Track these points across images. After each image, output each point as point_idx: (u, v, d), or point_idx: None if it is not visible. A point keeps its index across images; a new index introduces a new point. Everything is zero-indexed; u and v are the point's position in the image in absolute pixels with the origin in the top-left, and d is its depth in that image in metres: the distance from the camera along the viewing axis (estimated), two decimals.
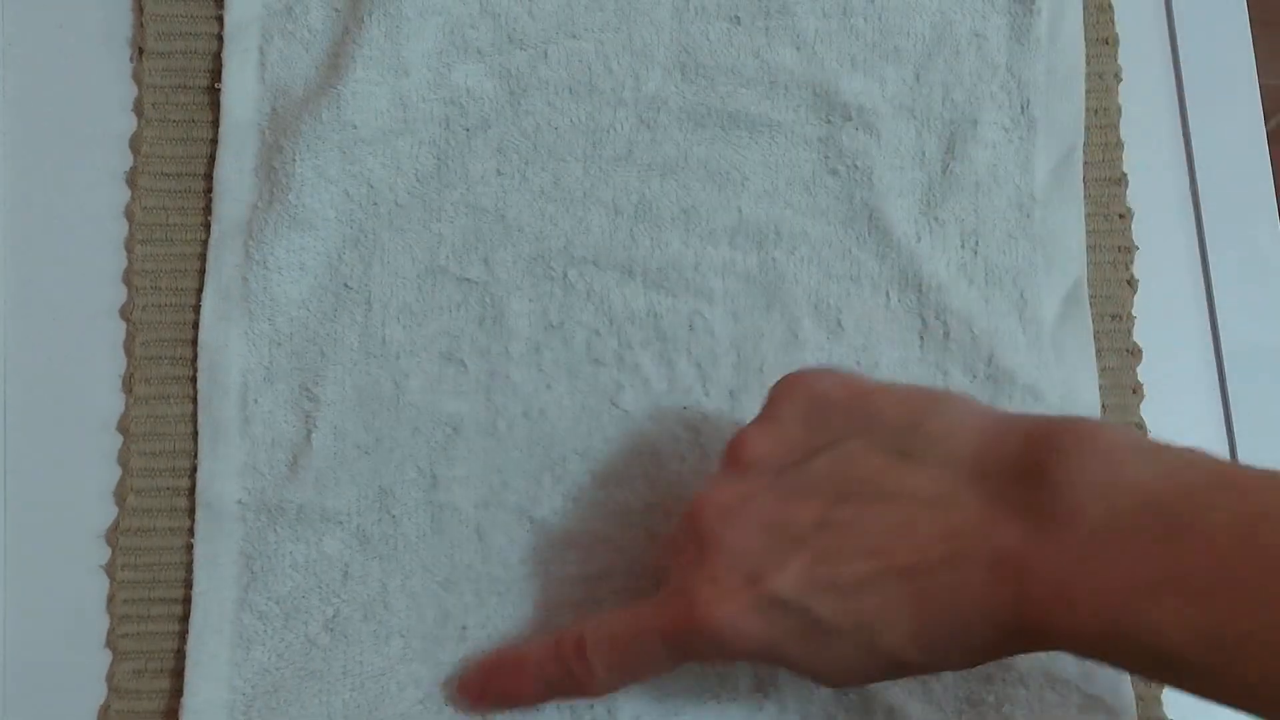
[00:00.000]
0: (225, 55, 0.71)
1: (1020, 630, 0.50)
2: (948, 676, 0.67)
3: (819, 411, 0.57)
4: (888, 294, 0.70)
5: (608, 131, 0.71)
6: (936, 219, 0.70)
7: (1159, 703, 0.68)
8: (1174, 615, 0.46)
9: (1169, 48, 0.77)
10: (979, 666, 0.66)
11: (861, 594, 0.52)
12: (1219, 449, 0.72)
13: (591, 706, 0.66)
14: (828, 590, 0.53)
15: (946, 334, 0.70)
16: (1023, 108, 0.72)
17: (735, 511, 0.56)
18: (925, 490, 0.53)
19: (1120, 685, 0.67)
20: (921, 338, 0.70)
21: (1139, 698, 0.67)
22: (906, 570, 0.52)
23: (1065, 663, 0.67)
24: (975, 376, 0.69)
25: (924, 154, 0.71)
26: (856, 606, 0.52)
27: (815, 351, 0.69)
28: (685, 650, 0.56)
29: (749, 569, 0.54)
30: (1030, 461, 0.51)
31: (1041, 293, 0.70)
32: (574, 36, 0.71)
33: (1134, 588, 0.47)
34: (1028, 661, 0.67)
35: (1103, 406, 0.70)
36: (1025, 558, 0.50)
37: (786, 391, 0.59)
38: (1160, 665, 0.47)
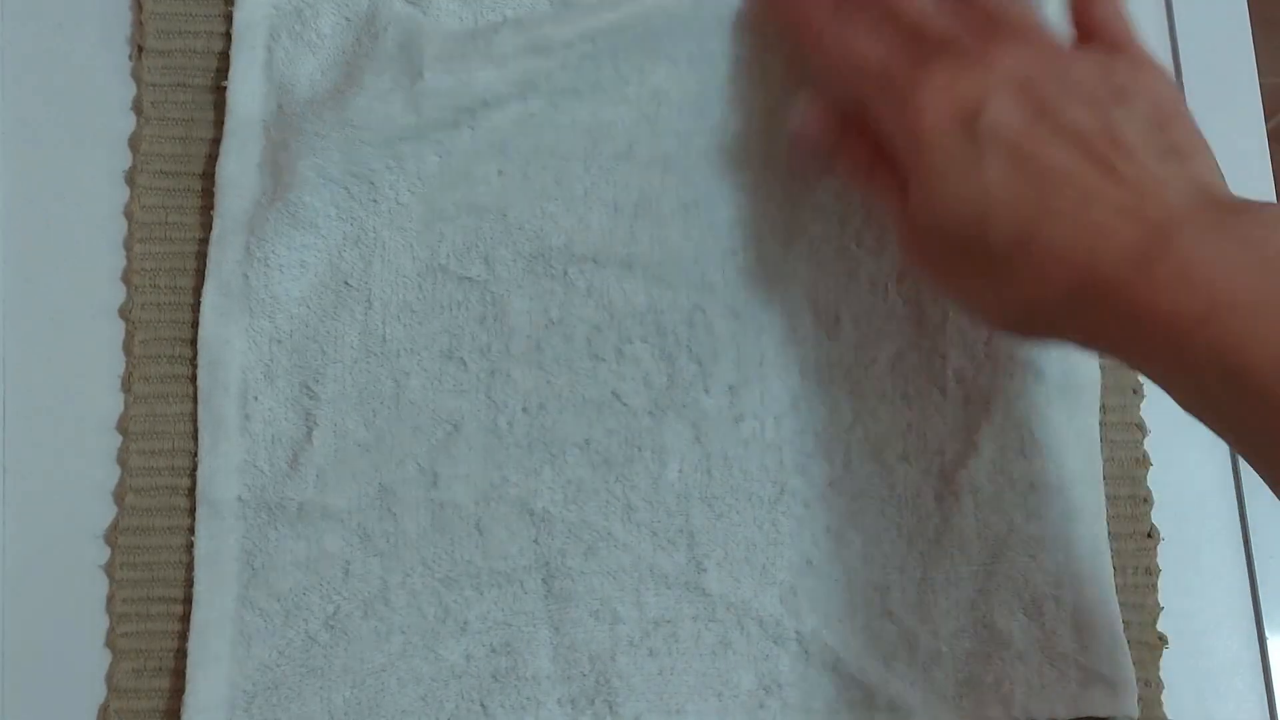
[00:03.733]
0: (233, 51, 0.71)
1: (1112, 286, 0.53)
2: (950, 660, 0.67)
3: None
4: (886, 287, 0.70)
5: (608, 128, 0.71)
6: None
7: (1159, 703, 0.68)
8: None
9: (1169, 47, 0.77)
10: (981, 645, 0.67)
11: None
12: (1219, 449, 0.72)
13: (593, 703, 0.66)
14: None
15: (945, 318, 0.70)
16: None
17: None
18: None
19: (1119, 658, 0.67)
20: (919, 325, 0.70)
21: (1140, 698, 0.67)
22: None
23: (1064, 638, 0.67)
24: (975, 357, 0.69)
25: None
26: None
27: (814, 348, 0.69)
28: None
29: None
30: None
31: None
32: (592, 41, 0.70)
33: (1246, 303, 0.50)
34: (1027, 638, 0.67)
35: (1103, 406, 0.70)
36: (1179, 233, 0.52)
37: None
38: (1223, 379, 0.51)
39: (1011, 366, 0.69)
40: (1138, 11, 0.75)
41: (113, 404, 0.70)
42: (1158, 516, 0.70)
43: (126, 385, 0.70)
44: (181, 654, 0.66)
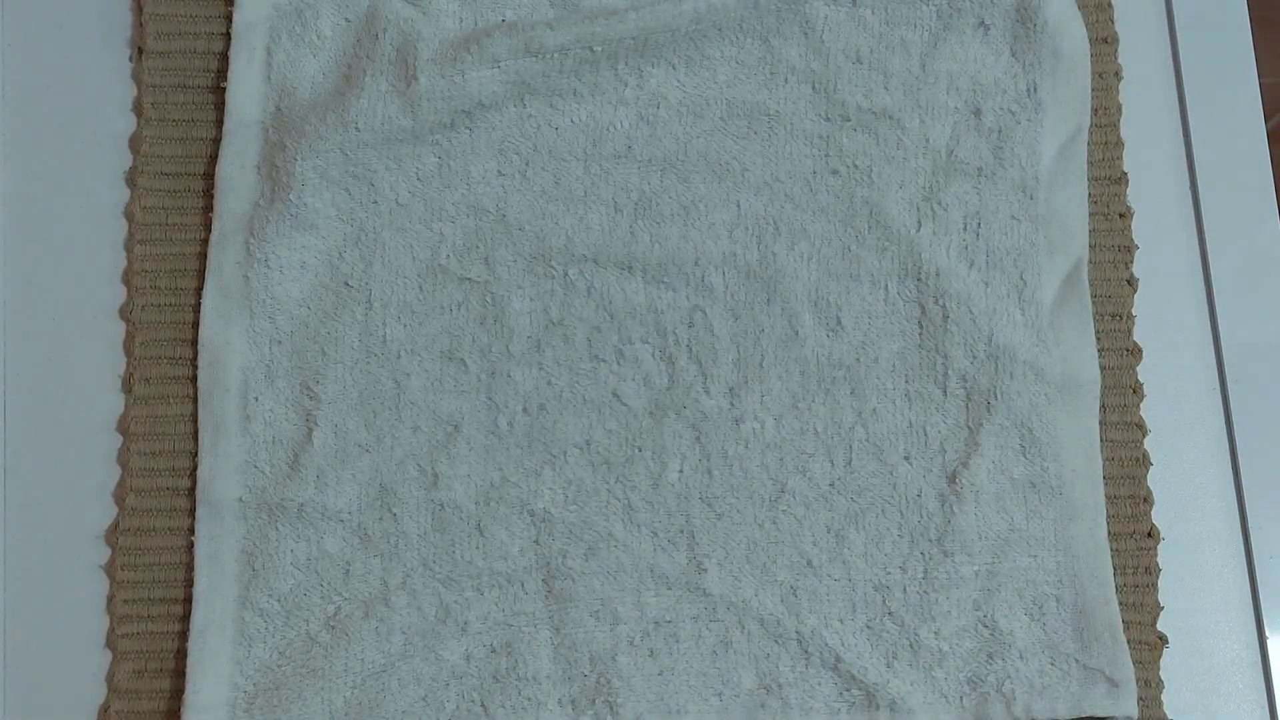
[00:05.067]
0: (232, 53, 0.71)
1: None
2: (952, 660, 0.67)
3: None
4: (886, 287, 0.70)
5: (607, 130, 0.71)
6: (940, 203, 0.71)
7: (1159, 703, 0.68)
8: None
9: (1169, 47, 0.77)
10: (983, 645, 0.67)
11: None
12: (1219, 449, 0.72)
13: (593, 703, 0.66)
14: None
15: (946, 317, 0.70)
16: (1029, 91, 0.72)
17: None
18: None
19: (1119, 657, 0.67)
20: (920, 325, 0.70)
21: (1140, 698, 0.67)
22: None
23: (1065, 637, 0.68)
24: (976, 357, 0.70)
25: (928, 142, 0.71)
26: None
27: (815, 348, 0.70)
28: None
29: None
30: None
31: (1042, 273, 0.71)
32: (590, 44, 0.71)
33: None
34: (1029, 637, 0.67)
35: (1103, 406, 0.71)
36: None
37: None
38: None
39: (1012, 366, 0.69)
40: (1138, 11, 0.76)
41: (113, 405, 0.70)
42: (1158, 516, 0.70)
43: (127, 386, 0.70)
44: (181, 654, 0.67)
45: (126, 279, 0.71)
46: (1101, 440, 0.70)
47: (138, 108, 0.72)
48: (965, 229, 0.71)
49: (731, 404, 0.69)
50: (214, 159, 0.71)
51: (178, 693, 0.66)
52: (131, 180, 0.72)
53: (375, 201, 0.70)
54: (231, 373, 0.69)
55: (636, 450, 0.69)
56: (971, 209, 0.71)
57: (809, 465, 0.69)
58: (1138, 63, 0.76)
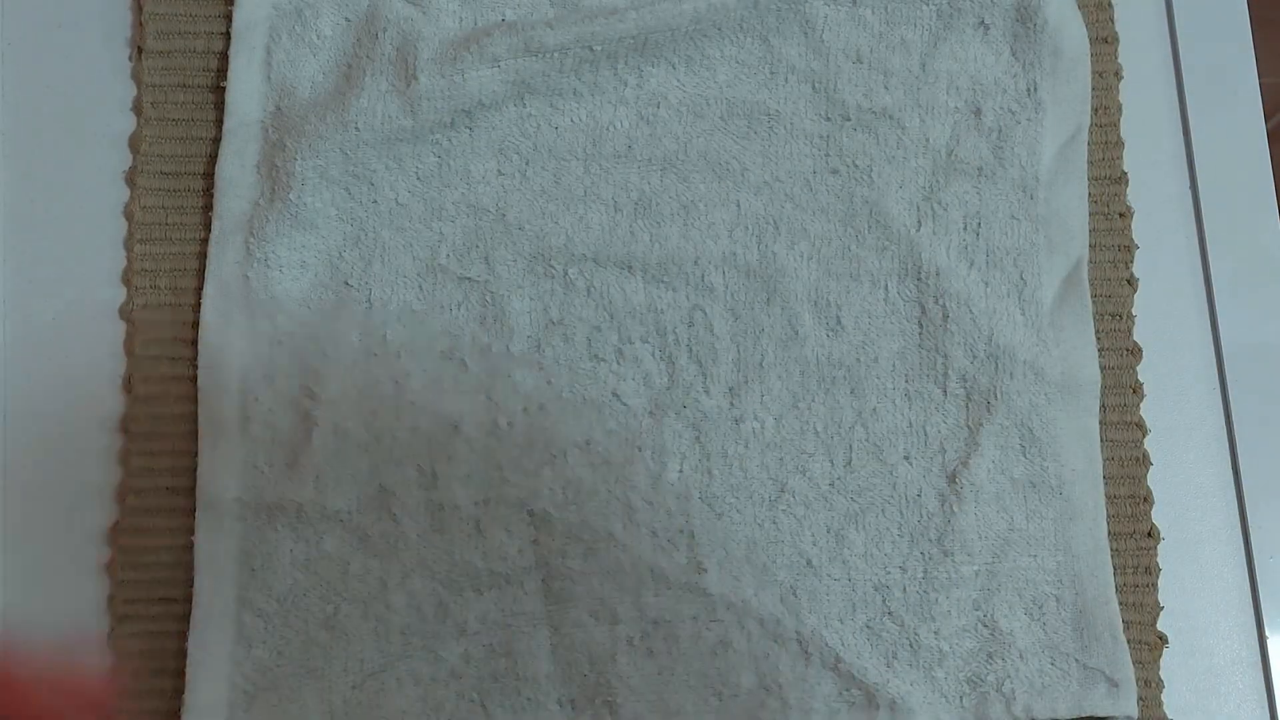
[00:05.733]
0: (231, 52, 0.71)
1: None
2: (952, 660, 0.67)
3: None
4: (886, 287, 0.70)
5: (607, 129, 0.71)
6: (940, 203, 0.71)
7: (1159, 703, 0.68)
8: None
9: (1169, 46, 0.77)
10: (983, 645, 0.67)
11: None
12: (1219, 449, 0.72)
13: (593, 703, 0.66)
14: None
15: (946, 317, 0.70)
16: (1029, 90, 0.72)
17: None
18: None
19: (1119, 657, 0.67)
20: (920, 325, 0.70)
21: (1140, 698, 0.68)
22: None
23: (1065, 637, 0.68)
24: (975, 356, 0.70)
25: (928, 141, 0.71)
26: None
27: (815, 347, 0.70)
28: None
29: None
30: None
31: (1042, 273, 0.71)
32: (590, 43, 0.71)
33: None
34: (1029, 637, 0.68)
35: (1103, 406, 0.71)
36: None
37: None
38: None
39: (1012, 366, 0.69)
40: (1138, 11, 0.76)
41: (113, 404, 0.70)
42: (1158, 516, 0.70)
43: (127, 385, 0.70)
44: (181, 654, 0.66)
45: (126, 279, 0.71)
46: (1101, 440, 0.70)
47: (138, 108, 0.73)
48: (965, 229, 0.71)
49: (731, 404, 0.69)
50: (214, 159, 0.71)
51: (178, 692, 0.66)
52: (131, 180, 0.72)
53: (375, 201, 0.70)
54: (231, 373, 0.68)
55: (636, 450, 0.68)
56: (971, 209, 0.71)
57: (809, 465, 0.69)
58: (1138, 63, 0.76)
